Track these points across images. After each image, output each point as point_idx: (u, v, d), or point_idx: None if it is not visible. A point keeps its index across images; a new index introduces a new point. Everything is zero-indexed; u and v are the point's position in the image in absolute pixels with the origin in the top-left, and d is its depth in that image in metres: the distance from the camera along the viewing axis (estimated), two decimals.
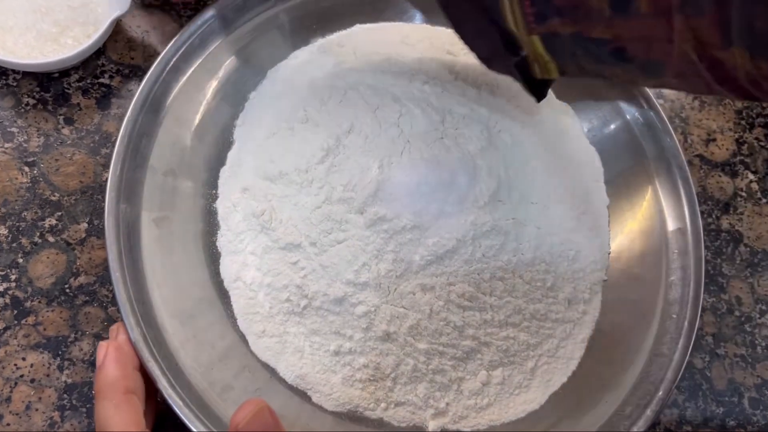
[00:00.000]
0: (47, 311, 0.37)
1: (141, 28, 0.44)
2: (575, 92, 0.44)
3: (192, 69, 0.39)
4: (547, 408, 0.37)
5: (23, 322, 0.37)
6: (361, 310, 0.35)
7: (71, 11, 0.41)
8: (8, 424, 0.35)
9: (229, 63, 0.41)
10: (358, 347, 0.35)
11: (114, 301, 0.35)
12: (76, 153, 0.41)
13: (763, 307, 0.45)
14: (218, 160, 0.39)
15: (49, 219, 0.39)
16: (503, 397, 0.37)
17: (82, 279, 0.38)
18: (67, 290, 0.38)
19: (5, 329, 0.37)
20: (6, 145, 0.40)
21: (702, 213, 0.41)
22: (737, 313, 0.45)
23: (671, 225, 0.40)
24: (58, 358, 0.37)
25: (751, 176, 0.49)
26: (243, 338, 0.36)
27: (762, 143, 0.50)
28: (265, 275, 0.36)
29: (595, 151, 0.43)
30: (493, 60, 0.34)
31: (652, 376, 0.36)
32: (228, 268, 0.37)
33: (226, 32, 0.40)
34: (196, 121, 0.39)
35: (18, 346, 0.37)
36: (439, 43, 0.43)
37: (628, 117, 0.43)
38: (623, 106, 0.43)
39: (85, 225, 0.39)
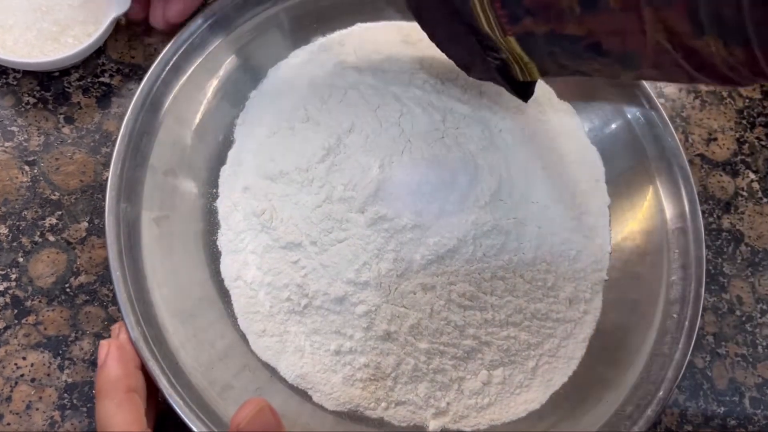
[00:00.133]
0: (48, 310, 0.37)
1: (141, 27, 0.44)
2: (576, 92, 0.44)
3: (192, 68, 0.39)
4: (547, 408, 0.37)
5: (23, 321, 0.37)
6: (362, 310, 0.35)
7: (71, 10, 0.41)
8: (8, 424, 0.35)
9: (229, 62, 0.41)
10: (358, 347, 0.35)
11: (114, 301, 0.35)
12: (77, 152, 0.41)
13: (764, 307, 0.45)
14: (219, 159, 0.39)
15: (49, 218, 0.39)
16: (504, 396, 0.37)
17: (82, 278, 0.38)
18: (68, 289, 0.38)
19: (5, 328, 0.37)
20: (6, 144, 0.40)
21: (703, 212, 0.41)
22: (738, 313, 0.45)
23: (672, 224, 0.40)
24: (59, 358, 0.37)
25: (752, 176, 0.49)
26: (243, 337, 0.36)
27: (763, 142, 0.50)
28: (265, 274, 0.36)
29: (596, 151, 0.43)
30: (472, 67, 0.34)
31: (653, 375, 0.36)
32: (228, 268, 0.37)
33: (226, 31, 0.40)
34: (197, 120, 0.39)
35: (18, 345, 0.37)
36: None
37: (629, 116, 0.43)
38: (624, 105, 0.43)
39: (86, 224, 0.39)
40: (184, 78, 0.39)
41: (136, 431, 0.28)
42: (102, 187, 0.40)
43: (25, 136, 0.40)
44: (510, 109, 0.41)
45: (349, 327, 0.35)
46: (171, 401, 0.31)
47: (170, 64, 0.38)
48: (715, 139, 0.50)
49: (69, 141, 0.41)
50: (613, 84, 0.43)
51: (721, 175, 0.49)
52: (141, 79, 0.37)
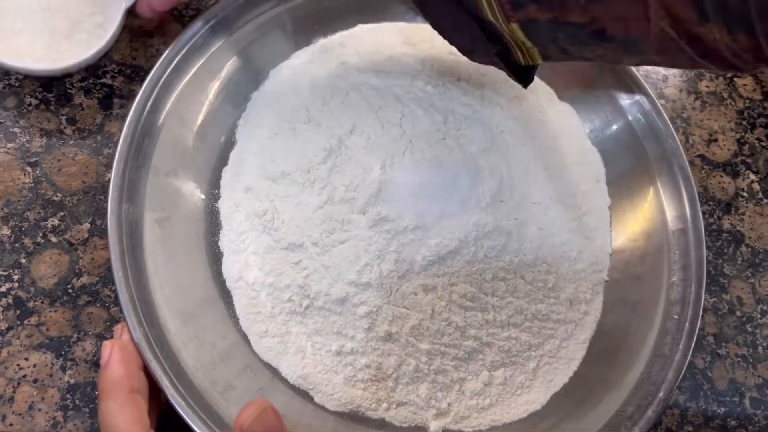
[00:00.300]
0: (50, 311, 0.37)
1: (143, 28, 0.44)
2: (577, 93, 0.44)
3: (194, 69, 0.39)
4: (548, 408, 0.38)
5: (26, 322, 0.37)
6: (363, 311, 0.35)
7: (79, 4, 0.41)
8: (11, 425, 0.35)
9: (231, 63, 0.41)
10: (360, 347, 0.35)
11: (117, 301, 0.35)
12: (79, 153, 0.41)
13: (765, 308, 0.46)
14: (220, 160, 0.40)
15: (51, 219, 0.39)
16: (505, 397, 0.37)
17: (84, 279, 0.38)
18: (70, 290, 0.38)
19: (8, 329, 0.37)
20: (8, 145, 0.40)
21: (703, 213, 0.41)
22: (738, 314, 0.45)
23: (673, 225, 0.40)
24: (61, 359, 0.37)
25: (752, 176, 0.49)
26: (245, 338, 0.36)
27: (763, 143, 0.50)
28: (267, 275, 0.36)
29: (597, 152, 0.43)
30: (474, 51, 0.34)
31: (654, 376, 0.36)
32: (230, 268, 0.37)
33: (228, 32, 0.40)
34: (199, 121, 0.39)
35: (21, 346, 0.37)
36: (442, 43, 0.43)
37: (629, 118, 0.43)
38: (625, 106, 0.43)
39: (88, 225, 0.39)
40: (186, 79, 0.39)
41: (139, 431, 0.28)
42: (104, 188, 0.40)
43: (27, 138, 0.41)
44: (511, 110, 0.41)
45: (351, 328, 0.36)
46: (173, 402, 0.31)
47: (172, 65, 0.38)
48: (716, 140, 0.50)
49: (71, 142, 0.41)
50: (614, 84, 0.43)
51: (721, 176, 0.49)
52: (143, 80, 0.37)
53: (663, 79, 0.51)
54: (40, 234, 0.39)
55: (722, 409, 0.42)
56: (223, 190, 0.39)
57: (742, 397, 0.43)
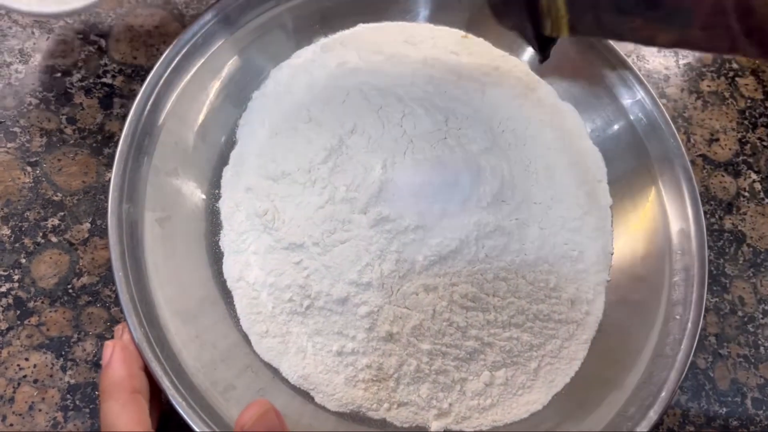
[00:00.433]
0: (50, 311, 0.37)
1: (143, 27, 0.44)
2: (578, 93, 0.44)
3: (195, 68, 0.39)
4: (550, 409, 0.37)
5: (26, 322, 0.37)
6: (364, 311, 0.35)
7: None
8: (11, 425, 0.35)
9: (231, 62, 0.41)
10: (361, 348, 0.35)
11: (117, 301, 0.35)
12: (79, 153, 0.41)
13: (766, 308, 0.45)
14: (221, 159, 0.39)
15: (51, 219, 0.39)
16: (506, 397, 0.37)
17: (85, 279, 0.38)
18: (70, 290, 0.38)
19: (8, 329, 0.37)
20: (8, 145, 0.40)
21: (705, 213, 0.41)
22: (740, 314, 0.45)
23: (674, 225, 0.40)
24: (62, 359, 0.37)
25: (754, 176, 0.49)
26: (246, 338, 0.36)
27: (765, 143, 0.50)
28: (268, 275, 0.36)
29: (598, 152, 0.43)
30: (505, 13, 0.33)
31: (656, 376, 0.36)
32: (231, 268, 0.37)
33: (228, 32, 0.40)
34: (199, 120, 0.39)
35: (21, 346, 0.37)
36: (443, 42, 0.43)
37: (631, 117, 0.43)
38: (626, 106, 0.43)
39: (88, 225, 0.39)
40: (187, 78, 0.39)
41: None
42: (104, 188, 0.40)
43: (27, 137, 0.40)
44: (512, 110, 0.41)
45: (352, 328, 0.35)
46: (174, 402, 0.31)
47: (173, 64, 0.38)
48: (717, 140, 0.50)
49: (71, 142, 0.41)
50: (616, 84, 0.43)
51: (723, 176, 0.49)
52: (143, 79, 0.37)
53: (664, 79, 0.51)
54: (41, 234, 0.39)
55: (724, 409, 0.42)
56: (224, 190, 0.39)
57: (744, 397, 0.43)
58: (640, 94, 0.42)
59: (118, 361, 0.30)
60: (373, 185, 0.36)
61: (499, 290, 0.37)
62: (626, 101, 0.43)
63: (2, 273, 0.38)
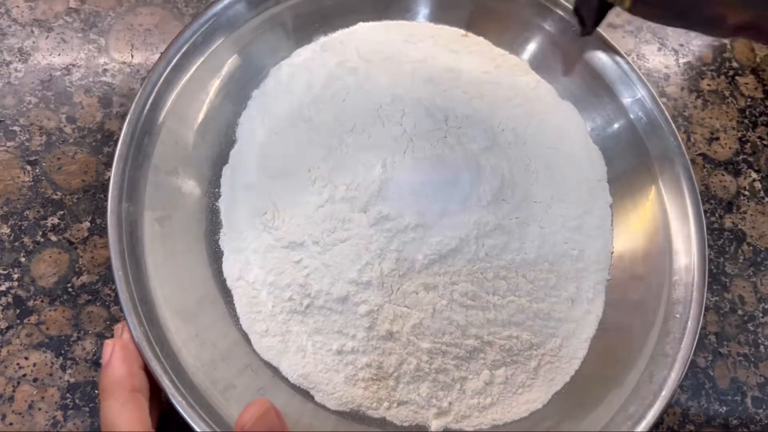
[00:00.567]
0: (50, 310, 0.37)
1: (143, 26, 0.44)
2: (579, 91, 0.44)
3: (194, 67, 0.39)
4: (550, 407, 0.37)
5: (26, 321, 0.37)
6: (364, 309, 0.35)
7: None
8: (11, 424, 0.35)
9: (231, 61, 0.41)
10: (360, 346, 0.35)
11: (117, 300, 0.35)
12: (79, 152, 0.41)
13: (766, 306, 0.45)
14: (221, 158, 0.39)
15: (51, 218, 0.39)
16: (506, 396, 0.37)
17: (84, 278, 0.38)
18: (70, 289, 0.38)
19: (8, 328, 0.37)
20: (8, 143, 0.40)
21: (705, 212, 0.41)
22: (740, 312, 0.45)
23: (674, 224, 0.40)
24: (61, 358, 0.37)
25: (754, 175, 0.49)
26: (245, 337, 0.36)
27: (765, 142, 0.50)
28: (267, 274, 0.36)
29: (599, 150, 0.43)
30: None
31: (656, 375, 0.36)
32: (230, 267, 0.37)
33: (228, 30, 0.40)
34: (199, 119, 0.39)
35: (20, 345, 0.36)
36: (443, 41, 0.43)
37: (631, 116, 0.43)
38: (626, 105, 0.43)
39: (88, 224, 0.39)
40: (187, 77, 0.39)
41: (141, 431, 0.28)
42: (104, 187, 0.40)
43: (27, 136, 0.40)
44: (512, 109, 0.41)
45: (352, 327, 0.35)
46: (173, 401, 0.31)
47: (172, 63, 0.38)
48: (717, 139, 0.50)
49: (71, 140, 0.41)
50: (616, 82, 0.43)
51: (723, 175, 0.49)
52: (143, 78, 0.37)
53: (665, 78, 0.51)
54: (40, 233, 0.39)
55: (724, 408, 0.42)
56: (224, 189, 0.39)
57: (744, 396, 0.43)
58: (641, 92, 0.42)
59: (118, 359, 0.30)
60: (373, 184, 0.36)
61: (499, 289, 0.37)
62: (626, 100, 0.43)
63: (2, 272, 0.38)
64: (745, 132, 0.50)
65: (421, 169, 0.37)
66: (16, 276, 0.38)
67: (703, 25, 0.30)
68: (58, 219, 0.39)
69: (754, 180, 0.49)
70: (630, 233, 0.41)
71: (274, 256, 0.36)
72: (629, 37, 0.52)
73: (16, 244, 0.38)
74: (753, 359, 0.44)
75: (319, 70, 0.41)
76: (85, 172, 0.40)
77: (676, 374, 0.36)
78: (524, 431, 0.36)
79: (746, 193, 0.49)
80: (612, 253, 0.41)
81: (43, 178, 0.40)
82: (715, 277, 0.46)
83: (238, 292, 0.37)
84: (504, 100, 0.41)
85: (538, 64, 0.45)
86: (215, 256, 0.37)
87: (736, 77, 0.52)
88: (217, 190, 0.39)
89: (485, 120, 0.39)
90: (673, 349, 0.37)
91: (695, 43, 0.53)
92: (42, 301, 0.37)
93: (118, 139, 0.36)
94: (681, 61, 0.52)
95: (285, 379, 0.36)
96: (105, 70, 0.43)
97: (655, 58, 0.52)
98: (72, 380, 0.36)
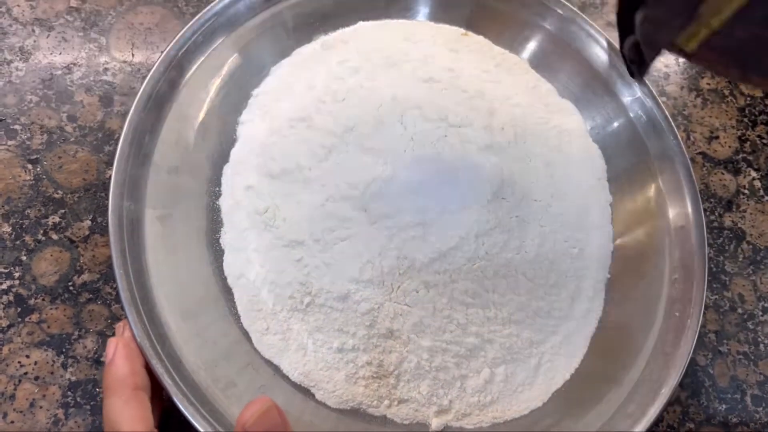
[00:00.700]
0: (51, 309, 0.37)
1: (144, 25, 0.44)
2: (578, 90, 0.44)
3: (195, 66, 0.39)
4: (550, 405, 0.38)
5: (27, 319, 0.37)
6: (365, 308, 0.35)
7: None
8: (12, 422, 0.35)
9: (232, 60, 0.41)
10: (361, 344, 0.35)
11: (118, 299, 0.35)
12: (80, 150, 0.41)
13: (766, 305, 0.45)
14: (222, 157, 0.40)
15: (52, 216, 0.39)
16: (506, 394, 0.37)
17: (85, 276, 0.38)
18: (71, 288, 0.38)
19: (9, 327, 0.37)
20: (9, 142, 0.40)
21: (704, 210, 0.41)
22: (740, 311, 0.45)
23: (674, 222, 0.40)
24: (62, 356, 0.37)
25: (753, 174, 0.49)
26: (246, 335, 0.36)
27: (764, 140, 0.50)
28: (268, 272, 0.36)
29: (598, 149, 0.43)
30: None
31: (655, 373, 0.36)
32: (231, 265, 0.37)
33: (229, 29, 0.40)
34: (200, 118, 0.39)
35: (22, 343, 0.37)
36: (443, 40, 0.43)
37: (631, 115, 0.43)
38: (626, 104, 0.43)
39: (89, 222, 0.39)
40: (187, 76, 0.39)
41: (144, 430, 0.28)
42: (105, 186, 0.40)
43: (28, 135, 0.40)
44: (513, 107, 0.41)
45: (352, 325, 0.36)
46: (175, 399, 0.31)
47: (173, 62, 0.38)
48: (717, 137, 0.50)
49: (72, 139, 0.41)
50: (616, 81, 0.43)
51: (722, 173, 0.49)
52: (144, 77, 0.37)
53: (664, 77, 0.51)
54: (41, 231, 0.39)
55: (723, 406, 0.42)
56: (224, 188, 0.39)
57: (744, 394, 0.43)
58: (640, 91, 0.42)
59: (121, 358, 0.30)
60: (373, 182, 0.36)
61: (499, 287, 0.37)
62: (626, 99, 0.43)
63: (3, 270, 0.38)
64: (744, 131, 0.50)
65: (421, 168, 0.37)
66: (17, 274, 0.38)
67: None
68: (59, 217, 0.39)
69: (753, 179, 0.49)
70: (630, 232, 0.41)
71: (274, 255, 0.36)
72: None
73: (18, 242, 0.38)
74: (753, 357, 0.44)
75: (319, 69, 0.41)
76: (86, 170, 0.40)
77: (675, 372, 0.36)
78: (524, 430, 0.37)
79: (746, 191, 0.49)
80: (612, 252, 0.41)
81: (44, 176, 0.40)
82: (714, 276, 0.46)
83: (239, 290, 0.37)
84: (504, 98, 0.41)
85: (537, 62, 0.45)
86: (216, 254, 0.38)
87: None
88: (217, 188, 0.39)
89: (485, 119, 0.39)
90: (673, 347, 0.37)
91: None
92: (43, 300, 0.38)
93: (119, 137, 0.36)
94: (681, 60, 0.52)
95: (286, 377, 0.36)
96: (106, 69, 0.43)
97: None
98: (73, 378, 0.36)
